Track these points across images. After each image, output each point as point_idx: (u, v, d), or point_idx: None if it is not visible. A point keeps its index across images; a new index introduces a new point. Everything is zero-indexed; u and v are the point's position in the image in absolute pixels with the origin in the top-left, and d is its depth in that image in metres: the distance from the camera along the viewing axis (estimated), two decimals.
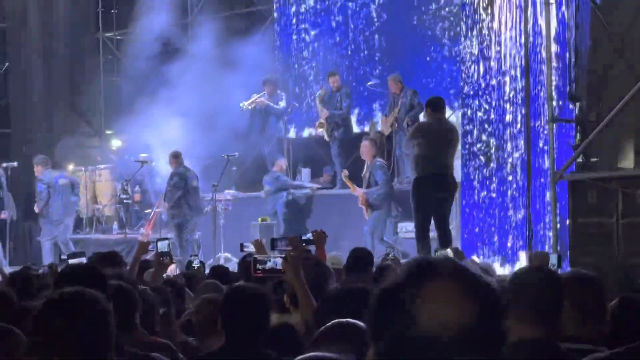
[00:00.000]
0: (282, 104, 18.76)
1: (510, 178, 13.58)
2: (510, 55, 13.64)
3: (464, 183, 14.05)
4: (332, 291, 5.44)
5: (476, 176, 13.96)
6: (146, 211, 20.03)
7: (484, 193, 13.86)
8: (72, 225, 19.26)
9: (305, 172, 18.67)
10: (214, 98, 19.17)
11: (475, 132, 14.01)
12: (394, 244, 15.36)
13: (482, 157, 13.92)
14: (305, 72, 20.26)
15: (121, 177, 20.29)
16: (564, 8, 13.28)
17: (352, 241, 15.19)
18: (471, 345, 1.90)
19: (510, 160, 13.61)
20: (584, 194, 12.73)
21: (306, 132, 20.12)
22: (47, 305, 2.98)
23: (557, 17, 13.29)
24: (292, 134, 19.75)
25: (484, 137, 13.91)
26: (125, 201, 19.96)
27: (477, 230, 13.90)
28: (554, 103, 13.07)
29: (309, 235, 8.93)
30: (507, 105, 13.66)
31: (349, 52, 19.57)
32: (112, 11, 23.58)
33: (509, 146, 13.61)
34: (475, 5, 14.07)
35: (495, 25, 13.74)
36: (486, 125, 13.86)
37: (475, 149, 14.02)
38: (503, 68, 13.70)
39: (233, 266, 11.79)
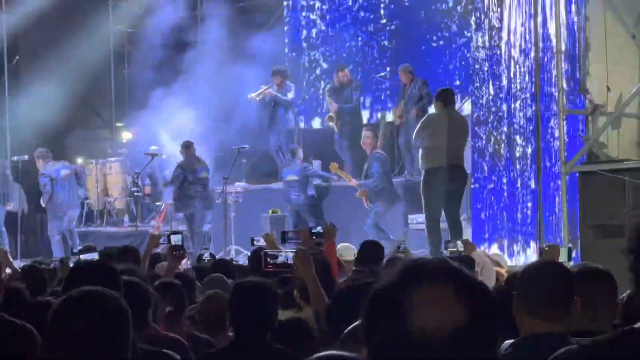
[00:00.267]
0: (291, 94, 18.71)
1: (520, 169, 13.56)
2: (520, 46, 13.60)
3: (474, 174, 14.03)
4: (343, 287, 5.45)
5: (486, 167, 13.94)
6: (157, 204, 20.06)
7: (494, 185, 13.83)
8: (76, 216, 19.21)
9: (316, 164, 18.67)
10: (224, 90, 19.18)
11: (485, 122, 13.97)
12: (401, 239, 15.36)
13: (492, 148, 13.89)
14: (315, 63, 20.26)
15: (132, 170, 20.30)
16: None
17: (360, 233, 15.24)
18: (463, 346, 1.91)
19: (520, 151, 13.58)
20: (594, 185, 12.71)
21: (315, 123, 20.14)
22: (65, 304, 2.98)
23: (567, 7, 13.25)
24: (301, 125, 19.73)
25: (494, 128, 13.88)
26: (135, 194, 19.97)
27: (487, 221, 13.88)
28: (564, 94, 13.04)
29: (319, 229, 8.94)
30: (518, 96, 13.62)
31: (359, 43, 19.57)
32: (123, 3, 23.56)
33: (519, 137, 13.59)
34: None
35: (506, 16, 13.70)
36: (496, 116, 13.83)
37: (485, 140, 14.00)
38: (513, 58, 13.66)
39: (244, 259, 11.81)
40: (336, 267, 8.80)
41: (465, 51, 16.85)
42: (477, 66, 14.11)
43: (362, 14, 19.60)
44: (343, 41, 19.65)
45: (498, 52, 13.80)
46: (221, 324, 5.95)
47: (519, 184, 13.56)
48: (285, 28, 20.81)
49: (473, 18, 14.35)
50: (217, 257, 13.92)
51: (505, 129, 13.75)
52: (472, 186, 14.09)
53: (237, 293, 5.16)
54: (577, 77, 13.30)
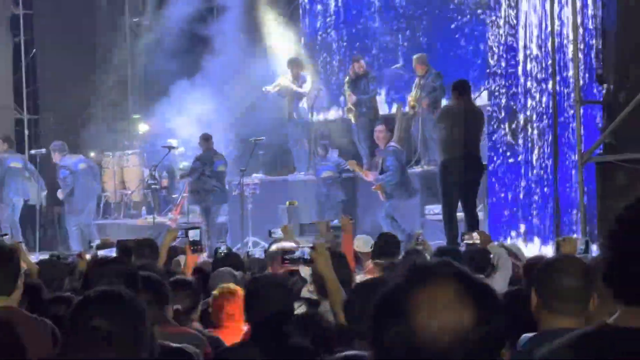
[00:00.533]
0: (307, 86, 18.71)
1: (537, 160, 13.52)
2: (537, 36, 13.56)
3: (490, 165, 14.01)
4: (361, 281, 5.45)
5: (503, 158, 13.91)
6: (173, 196, 20.11)
7: (510, 176, 13.80)
8: (94, 209, 19.26)
9: (334, 154, 18.65)
10: (240, 81, 19.20)
11: (501, 113, 13.94)
12: (418, 231, 15.36)
13: (509, 139, 13.86)
14: (331, 54, 20.26)
15: (149, 163, 20.34)
16: None
17: (376, 225, 15.26)
18: (469, 348, 1.91)
19: (537, 142, 13.54)
20: (612, 176, 12.66)
21: (332, 115, 20.13)
22: (83, 304, 3.00)
23: None
24: (319, 116, 19.73)
25: (510, 119, 13.84)
26: (152, 186, 20.02)
27: (504, 212, 13.86)
28: (581, 84, 13.00)
29: (337, 222, 8.95)
30: (534, 87, 13.58)
31: (375, 34, 19.56)
32: None
33: (536, 128, 13.55)
34: None
35: (522, 5, 13.65)
36: (513, 107, 13.80)
37: (502, 130, 13.97)
38: (529, 49, 13.61)
39: (260, 252, 11.78)
40: (353, 259, 8.82)
41: (481, 41, 16.80)
42: (493, 56, 14.07)
43: (377, 3, 19.58)
44: (358, 31, 19.63)
45: (514, 42, 13.75)
46: (234, 318, 5.97)
47: (535, 175, 13.52)
48: (301, 18, 20.80)
49: (489, 8, 14.31)
50: (234, 249, 13.96)
51: (522, 119, 13.71)
52: (489, 177, 14.06)
53: (253, 288, 5.16)
54: (594, 66, 13.24)
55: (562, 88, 13.26)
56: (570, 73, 13.09)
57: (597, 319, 4.09)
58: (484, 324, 1.92)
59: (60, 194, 18.50)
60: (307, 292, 6.28)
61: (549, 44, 13.31)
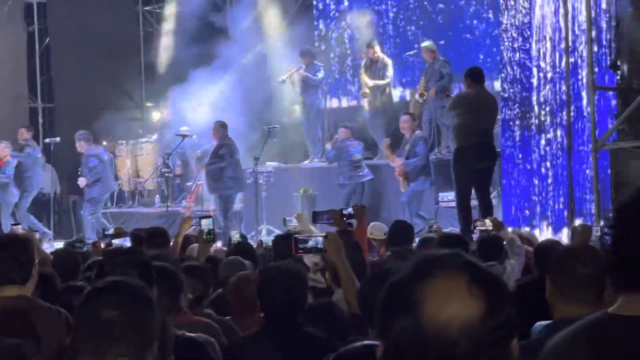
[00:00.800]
0: (321, 74, 18.72)
1: (551, 147, 13.49)
2: (550, 23, 13.52)
3: (504, 152, 13.99)
4: (375, 270, 5.44)
5: (516, 145, 13.89)
6: (187, 184, 20.13)
7: (524, 162, 13.78)
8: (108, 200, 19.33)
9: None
10: (253, 70, 19.21)
11: (515, 100, 13.91)
12: (432, 218, 15.37)
13: (522, 126, 13.84)
14: (344, 42, 20.25)
15: (162, 151, 20.37)
16: None
17: (390, 212, 15.26)
18: (478, 340, 1.89)
19: (551, 129, 13.51)
20: (626, 162, 12.63)
21: (345, 102, 20.14)
22: (91, 295, 3.01)
23: None
24: (334, 103, 19.72)
25: (524, 106, 13.81)
26: (166, 175, 20.04)
27: (517, 199, 13.84)
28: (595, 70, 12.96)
29: (350, 210, 8.93)
30: (548, 74, 13.55)
31: (388, 21, 19.53)
32: None
33: (549, 115, 13.52)
34: None
35: None
36: (526, 94, 13.77)
37: (515, 117, 13.94)
38: (542, 34, 13.58)
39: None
40: (367, 247, 8.82)
41: (495, 28, 16.76)
42: (506, 43, 14.03)
43: None
44: (372, 19, 19.60)
45: (527, 29, 13.71)
46: (250, 305, 5.97)
47: (549, 162, 13.50)
48: (314, 8, 20.78)
49: None
50: (249, 237, 13.99)
51: (535, 106, 13.68)
52: (502, 164, 14.04)
53: (267, 277, 5.17)
54: (608, 53, 13.20)
55: (576, 74, 13.22)
56: (584, 59, 13.05)
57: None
58: (493, 316, 1.91)
59: (82, 182, 18.36)
60: (310, 280, 6.27)
61: (563, 30, 13.26)
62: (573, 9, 13.22)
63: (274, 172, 17.94)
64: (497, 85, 15.77)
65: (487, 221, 10.13)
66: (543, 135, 13.57)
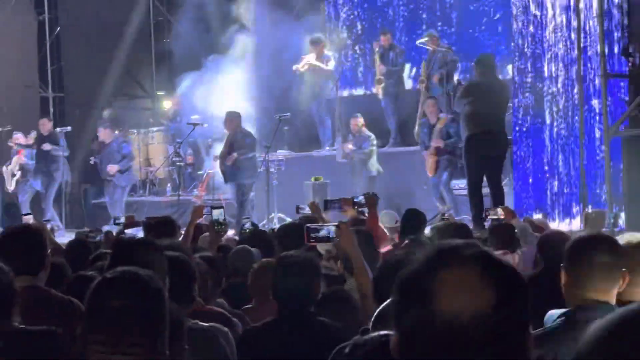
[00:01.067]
0: (332, 63, 18.70)
1: (563, 134, 13.46)
2: (563, 10, 13.47)
3: (515, 140, 13.95)
4: (388, 259, 5.43)
5: (528, 133, 13.85)
6: (199, 172, 20.13)
7: (536, 150, 13.75)
8: None
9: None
10: (264, 59, 19.17)
11: (526, 87, 13.88)
12: (449, 205, 15.35)
13: (534, 113, 13.80)
14: (355, 31, 20.21)
15: (173, 140, 20.37)
16: None
17: (404, 199, 15.22)
18: (490, 332, 1.88)
19: (562, 116, 13.48)
20: (639, 149, 12.59)
21: (357, 91, 20.12)
22: (100, 285, 3.00)
23: None
24: (344, 93, 19.69)
25: (535, 93, 13.78)
26: (177, 163, 20.05)
27: (529, 187, 13.81)
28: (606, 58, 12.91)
29: (361, 198, 8.91)
30: (560, 61, 13.50)
31: (400, 9, 19.50)
32: None
33: (561, 102, 13.48)
34: None
35: None
36: (538, 81, 13.73)
37: (527, 104, 13.90)
38: (555, 21, 13.53)
39: None
40: (381, 235, 8.80)
41: (507, 15, 16.70)
42: (518, 31, 13.99)
43: None
44: (382, 7, 19.57)
45: (540, 16, 13.67)
46: (264, 294, 5.96)
47: (561, 149, 13.47)
48: None
49: None
50: (261, 225, 13.97)
51: (547, 93, 13.64)
52: (514, 151, 14.01)
53: (281, 267, 5.16)
54: (620, 40, 13.14)
55: (588, 61, 13.17)
56: (596, 46, 13.00)
57: (627, 296, 4.08)
58: (506, 307, 1.90)
59: (113, 169, 18.37)
60: (323, 268, 6.26)
61: (575, 17, 13.21)
62: None
63: (285, 160, 17.93)
64: (509, 72, 15.72)
65: (499, 210, 10.12)
66: (555, 123, 13.53)
